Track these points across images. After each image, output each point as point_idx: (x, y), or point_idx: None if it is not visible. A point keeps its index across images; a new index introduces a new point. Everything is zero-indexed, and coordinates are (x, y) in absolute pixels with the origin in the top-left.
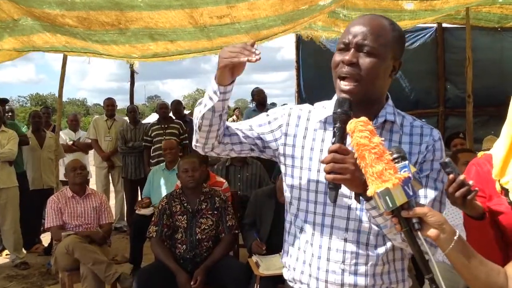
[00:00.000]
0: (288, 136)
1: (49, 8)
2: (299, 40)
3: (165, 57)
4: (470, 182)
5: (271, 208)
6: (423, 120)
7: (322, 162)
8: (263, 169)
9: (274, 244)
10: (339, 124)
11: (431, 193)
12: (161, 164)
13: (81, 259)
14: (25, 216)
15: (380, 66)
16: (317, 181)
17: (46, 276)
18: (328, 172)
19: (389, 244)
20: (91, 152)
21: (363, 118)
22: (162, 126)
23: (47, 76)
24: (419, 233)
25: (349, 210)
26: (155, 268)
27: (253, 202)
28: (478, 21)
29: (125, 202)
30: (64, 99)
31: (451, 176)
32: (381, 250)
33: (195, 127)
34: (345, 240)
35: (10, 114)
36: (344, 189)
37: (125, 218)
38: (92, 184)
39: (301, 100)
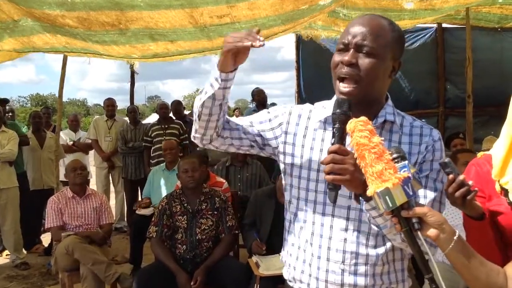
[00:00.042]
0: (288, 134)
1: (49, 8)
2: (299, 40)
3: (165, 58)
4: (470, 182)
5: (271, 208)
6: (423, 120)
7: (322, 163)
8: (263, 169)
9: (274, 244)
10: (338, 125)
11: (430, 193)
12: (161, 165)
13: (81, 260)
14: (25, 216)
15: (380, 66)
16: (317, 181)
17: (46, 276)
18: (327, 173)
19: (389, 244)
20: (91, 153)
21: (363, 118)
22: (162, 126)
23: (47, 76)
24: (419, 233)
25: (349, 210)
26: (155, 269)
27: (253, 202)
28: (478, 21)
29: (125, 203)
30: (65, 99)
31: (450, 176)
32: (381, 250)
33: (195, 116)
34: (345, 240)
35: (10, 114)
36: (344, 190)
37: (125, 219)
38: (92, 185)
39: (301, 100)
